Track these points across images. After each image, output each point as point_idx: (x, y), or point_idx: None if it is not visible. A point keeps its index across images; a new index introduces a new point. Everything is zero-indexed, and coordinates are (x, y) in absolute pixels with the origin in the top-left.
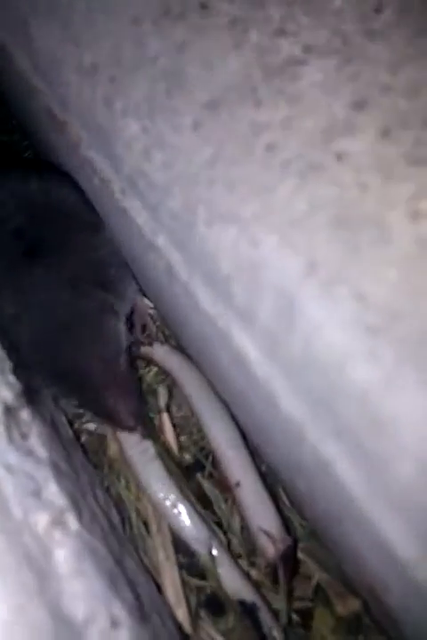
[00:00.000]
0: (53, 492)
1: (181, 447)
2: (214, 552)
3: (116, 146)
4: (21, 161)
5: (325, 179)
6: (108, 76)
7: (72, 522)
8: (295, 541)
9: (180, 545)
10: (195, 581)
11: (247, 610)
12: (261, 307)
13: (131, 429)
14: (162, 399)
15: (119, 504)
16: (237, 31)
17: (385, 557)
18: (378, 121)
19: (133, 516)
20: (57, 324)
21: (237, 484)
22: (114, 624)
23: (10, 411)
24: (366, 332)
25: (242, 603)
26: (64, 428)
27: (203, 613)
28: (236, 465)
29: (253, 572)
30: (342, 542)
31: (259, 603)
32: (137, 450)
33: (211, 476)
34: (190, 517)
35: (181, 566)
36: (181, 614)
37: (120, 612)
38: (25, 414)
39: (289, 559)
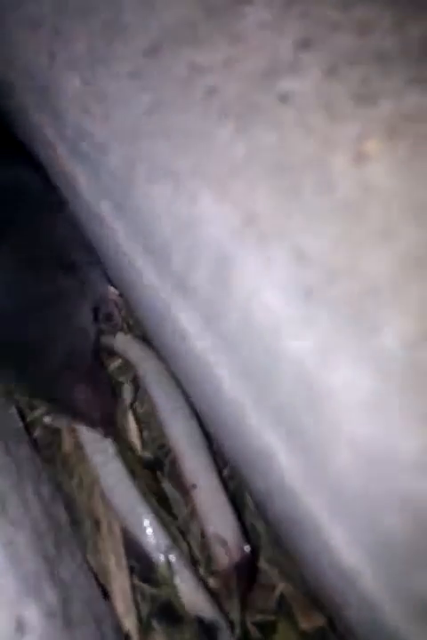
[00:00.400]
0: None
1: (143, 443)
2: (173, 560)
3: (59, 105)
4: None
5: (266, 121)
6: (52, 28)
7: None
8: (254, 550)
9: (134, 549)
10: (148, 589)
11: (205, 627)
12: (197, 272)
13: (97, 426)
14: (127, 394)
15: (70, 503)
16: None
17: (335, 565)
18: (325, 59)
19: (84, 515)
20: (18, 309)
21: (194, 486)
22: (20, 627)
23: None
24: (303, 293)
25: (200, 619)
26: (10, 418)
27: (155, 623)
28: (193, 465)
29: (212, 581)
30: (298, 548)
31: (219, 621)
32: (96, 446)
33: (171, 475)
34: (149, 523)
35: (133, 571)
36: (130, 623)
37: (32, 615)
38: None
39: (245, 569)
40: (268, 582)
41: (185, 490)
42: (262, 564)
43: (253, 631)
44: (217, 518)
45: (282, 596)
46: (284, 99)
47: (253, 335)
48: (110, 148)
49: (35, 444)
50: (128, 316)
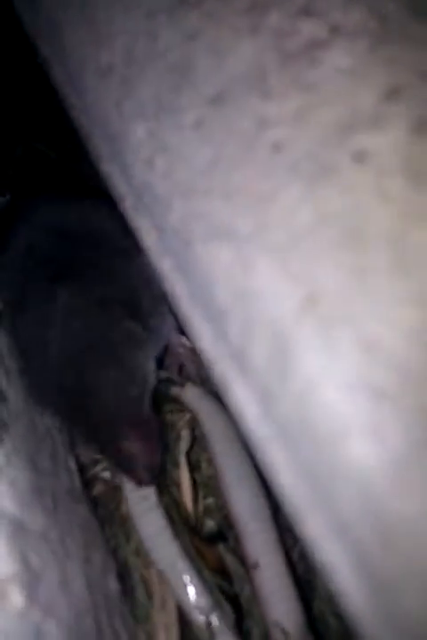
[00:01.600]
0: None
1: (203, 509)
2: (215, 623)
3: (126, 156)
4: (65, 187)
5: (337, 184)
6: (121, 77)
7: (14, 596)
8: None
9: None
10: None
11: None
12: (254, 348)
13: (139, 479)
14: (183, 445)
15: (125, 569)
16: (255, 14)
17: None
18: (412, 113)
19: (138, 585)
20: (79, 350)
21: (256, 565)
22: None
23: None
24: (372, 394)
25: None
26: (68, 475)
27: None
28: (256, 542)
29: None
30: None
31: None
32: (137, 494)
33: (236, 550)
34: (189, 579)
35: None
36: None
37: None
38: None
39: None
40: None
41: (250, 576)
42: None
43: None
44: (279, 604)
45: None
46: (360, 158)
47: (311, 432)
48: (171, 204)
49: (94, 501)
50: (202, 368)
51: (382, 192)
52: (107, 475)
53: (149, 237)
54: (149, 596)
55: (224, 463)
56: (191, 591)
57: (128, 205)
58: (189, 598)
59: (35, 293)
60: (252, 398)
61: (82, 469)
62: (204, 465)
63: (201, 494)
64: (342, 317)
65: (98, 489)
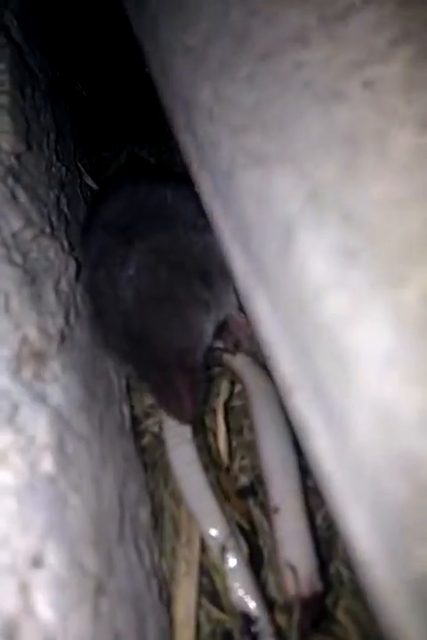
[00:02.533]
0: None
1: (239, 468)
2: (230, 555)
3: (194, 116)
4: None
5: (347, 104)
6: (199, 53)
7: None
8: (325, 593)
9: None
10: (216, 613)
11: (248, 627)
12: (268, 250)
13: (182, 421)
14: (222, 395)
15: (158, 509)
16: None
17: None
18: (412, 49)
19: (168, 522)
20: (147, 302)
21: (276, 510)
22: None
23: (35, 353)
24: (347, 255)
25: (245, 616)
26: (119, 413)
27: None
28: (279, 489)
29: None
30: None
31: (263, 623)
32: (174, 431)
33: (262, 505)
34: (212, 509)
35: (204, 591)
36: (185, 635)
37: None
38: (53, 361)
39: (310, 608)
40: (342, 635)
41: (270, 521)
42: (340, 614)
43: None
44: (293, 546)
45: None
46: (369, 85)
47: (298, 295)
48: (220, 145)
49: (142, 449)
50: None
51: (380, 107)
52: (156, 428)
53: (205, 185)
54: (177, 532)
55: (262, 420)
56: (212, 521)
57: (195, 166)
58: (208, 527)
59: (111, 253)
60: (263, 299)
61: (135, 421)
62: (245, 430)
63: (239, 455)
64: (333, 201)
65: (147, 439)
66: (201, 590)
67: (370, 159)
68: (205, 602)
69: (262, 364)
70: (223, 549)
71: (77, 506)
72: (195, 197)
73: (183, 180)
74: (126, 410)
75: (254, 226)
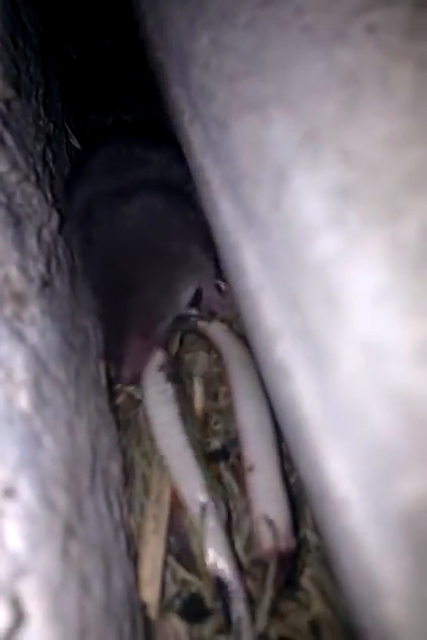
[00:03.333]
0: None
1: (212, 433)
2: (209, 519)
3: (189, 68)
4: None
5: (349, 46)
6: (198, 4)
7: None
8: (297, 551)
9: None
10: (182, 572)
11: (222, 591)
12: (260, 198)
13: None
14: (200, 366)
15: (130, 467)
16: None
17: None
18: None
19: (138, 480)
20: (130, 255)
21: (251, 468)
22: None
23: (15, 293)
24: (341, 193)
25: (219, 581)
26: (95, 369)
27: (177, 608)
28: (255, 447)
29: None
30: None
31: (236, 587)
32: (156, 388)
33: (234, 468)
34: (193, 470)
35: (171, 551)
36: (150, 593)
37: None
38: (32, 305)
39: (285, 564)
40: (305, 601)
41: (241, 475)
42: (305, 581)
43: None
44: (270, 502)
45: (315, 619)
46: (372, 29)
47: (292, 243)
48: (216, 95)
49: (115, 408)
50: (231, 316)
51: (383, 49)
52: (130, 389)
53: (196, 142)
54: (147, 491)
55: (238, 383)
56: (192, 481)
57: (186, 120)
58: (188, 488)
59: (98, 207)
60: (251, 252)
61: (110, 381)
62: (220, 397)
63: (213, 420)
64: (331, 140)
65: (121, 399)
66: (169, 550)
67: (372, 98)
68: (171, 561)
69: (238, 333)
70: (203, 512)
71: (51, 447)
72: (181, 161)
73: (170, 144)
74: (102, 367)
75: (247, 174)
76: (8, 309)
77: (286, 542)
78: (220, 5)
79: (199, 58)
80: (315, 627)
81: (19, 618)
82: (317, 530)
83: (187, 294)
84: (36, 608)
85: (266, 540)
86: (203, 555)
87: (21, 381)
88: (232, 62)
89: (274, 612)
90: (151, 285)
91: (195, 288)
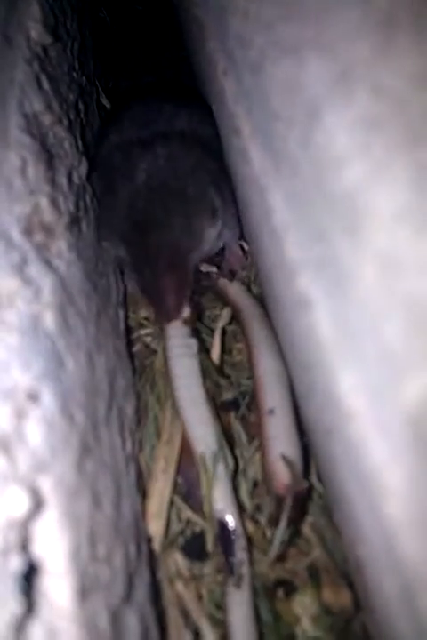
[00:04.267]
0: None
1: (225, 384)
2: (220, 465)
3: (227, 19)
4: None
5: None
6: None
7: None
8: (308, 492)
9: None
10: (187, 512)
11: (224, 535)
12: (292, 136)
13: (165, 319)
14: (221, 321)
15: (143, 410)
16: None
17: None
18: None
19: (151, 422)
20: (158, 190)
21: (271, 411)
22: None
23: (45, 225)
24: (370, 125)
25: (221, 524)
26: (114, 313)
27: (180, 544)
28: (274, 394)
29: (250, 527)
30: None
31: (238, 532)
32: (181, 342)
33: (243, 418)
34: (208, 419)
35: (178, 491)
36: (155, 527)
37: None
38: (60, 240)
39: (298, 502)
40: (304, 548)
41: (256, 423)
42: (306, 530)
43: (277, 587)
44: (288, 444)
45: (314, 564)
46: None
47: (320, 177)
48: (252, 44)
49: (131, 356)
50: (250, 277)
51: None
52: (148, 339)
53: (230, 89)
54: (158, 434)
55: (256, 339)
56: (205, 431)
57: (220, 71)
58: (201, 436)
59: (128, 150)
60: (281, 187)
61: (128, 329)
62: (234, 352)
63: (226, 374)
64: (364, 77)
65: (138, 347)
66: (176, 490)
67: (405, 38)
68: (177, 500)
69: (255, 294)
70: (215, 459)
71: (72, 370)
72: (208, 120)
73: (199, 104)
74: (122, 313)
75: (279, 115)
76: (38, 237)
77: (301, 482)
78: None
79: (238, 8)
80: (313, 571)
81: (37, 505)
82: (320, 478)
83: (209, 234)
84: (52, 502)
85: (284, 477)
86: (209, 498)
87: (48, 303)
88: (271, 9)
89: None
90: (173, 223)
91: (216, 231)
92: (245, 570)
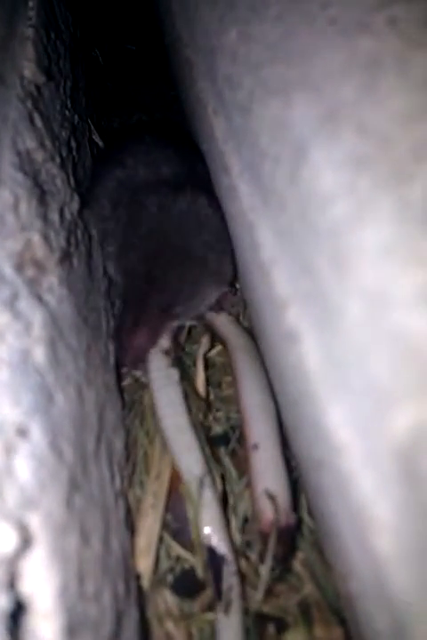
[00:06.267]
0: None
1: (214, 419)
2: (206, 492)
3: (216, 62)
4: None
5: (370, 35)
6: (226, 2)
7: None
8: (296, 526)
9: (175, 515)
10: (177, 549)
11: (213, 560)
12: (279, 173)
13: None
14: (202, 349)
15: (132, 445)
16: None
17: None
18: None
19: (140, 457)
20: (159, 244)
21: (256, 446)
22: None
23: (37, 260)
24: (356, 163)
25: (210, 550)
26: (105, 347)
27: (169, 583)
28: (259, 428)
29: (242, 564)
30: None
31: (228, 557)
32: (162, 372)
33: (234, 453)
34: (192, 446)
35: (168, 528)
36: (144, 564)
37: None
38: (52, 275)
39: (284, 538)
40: (296, 584)
41: (243, 458)
42: (296, 565)
43: (267, 623)
44: (272, 478)
45: (305, 600)
46: (392, 21)
47: (307, 213)
48: (241, 85)
49: (121, 391)
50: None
51: (402, 37)
52: (138, 373)
53: (219, 130)
54: (147, 469)
55: (243, 371)
56: (192, 457)
57: (210, 111)
58: (187, 461)
59: (135, 193)
60: (269, 223)
61: (118, 365)
62: (224, 385)
63: (215, 407)
64: (350, 117)
65: (127, 382)
66: (165, 527)
67: (390, 79)
68: (167, 538)
69: (244, 327)
70: (201, 484)
71: (61, 404)
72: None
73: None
74: (111, 347)
75: (267, 153)
76: (29, 272)
77: (286, 517)
78: (250, 1)
79: (227, 50)
80: (304, 607)
81: (25, 542)
82: (311, 513)
83: (208, 301)
84: (41, 539)
85: (268, 513)
86: (198, 524)
87: (38, 337)
88: (259, 51)
89: (268, 592)
90: (174, 278)
91: (216, 297)
92: (234, 595)
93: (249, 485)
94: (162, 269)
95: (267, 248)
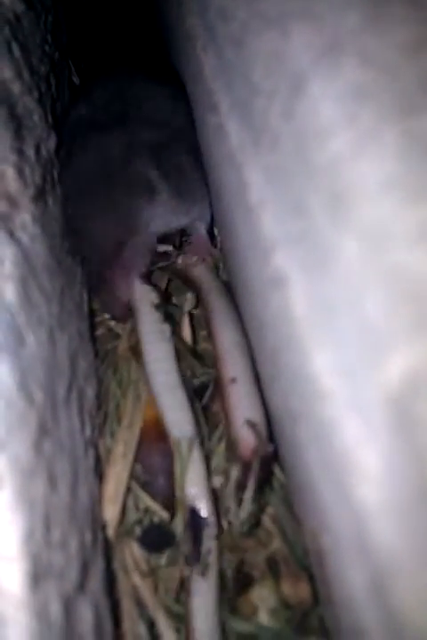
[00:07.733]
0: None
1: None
2: (194, 450)
3: None
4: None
5: None
6: None
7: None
8: (274, 455)
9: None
10: (147, 501)
11: (194, 522)
12: (273, 110)
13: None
14: (187, 305)
15: (105, 394)
16: None
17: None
18: None
19: (113, 407)
20: (84, 187)
21: (233, 380)
22: None
23: (9, 195)
24: (358, 95)
25: (193, 511)
26: (79, 295)
27: (137, 535)
28: (236, 363)
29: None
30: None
31: (209, 520)
32: (155, 327)
33: (205, 409)
34: (183, 405)
35: (138, 480)
36: (110, 512)
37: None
38: (25, 212)
39: (264, 466)
40: (264, 539)
41: (219, 390)
42: (266, 520)
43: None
44: (251, 409)
45: (273, 556)
46: None
47: (302, 149)
48: (234, 16)
49: (94, 340)
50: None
51: None
52: (112, 323)
53: (208, 64)
54: (119, 418)
55: (220, 315)
56: (182, 415)
57: (199, 47)
58: (178, 422)
59: (80, 133)
60: (259, 162)
61: (92, 313)
62: (200, 339)
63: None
64: (351, 45)
65: (101, 331)
66: (135, 478)
67: (396, 8)
68: (136, 488)
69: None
70: (190, 444)
71: (32, 347)
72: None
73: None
74: (85, 295)
75: (261, 89)
76: (1, 207)
77: (266, 446)
78: None
79: None
80: (272, 563)
81: None
82: (282, 468)
83: (148, 214)
84: (6, 482)
85: (250, 441)
86: (182, 483)
87: (9, 274)
88: None
89: (234, 547)
90: (103, 210)
91: (159, 210)
92: (212, 559)
93: (226, 420)
94: (91, 205)
95: (256, 189)
